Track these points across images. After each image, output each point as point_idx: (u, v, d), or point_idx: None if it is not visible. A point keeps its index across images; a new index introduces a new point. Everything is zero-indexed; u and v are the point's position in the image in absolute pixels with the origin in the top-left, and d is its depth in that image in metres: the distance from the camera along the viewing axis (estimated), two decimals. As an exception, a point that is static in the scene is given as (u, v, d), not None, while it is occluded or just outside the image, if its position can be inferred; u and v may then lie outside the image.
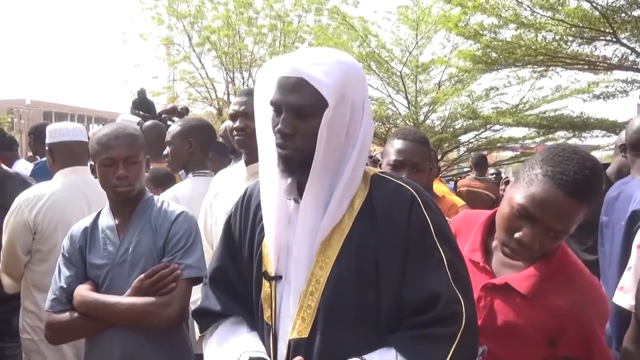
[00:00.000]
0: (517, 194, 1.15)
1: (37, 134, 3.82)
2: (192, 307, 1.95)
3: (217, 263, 1.25)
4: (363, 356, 1.02)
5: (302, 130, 1.05)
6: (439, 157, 8.06)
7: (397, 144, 1.81)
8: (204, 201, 2.10)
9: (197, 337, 1.22)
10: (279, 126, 1.06)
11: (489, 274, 1.24)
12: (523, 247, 1.14)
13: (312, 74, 1.02)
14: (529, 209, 1.12)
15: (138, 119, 4.42)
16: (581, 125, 8.51)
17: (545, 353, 1.20)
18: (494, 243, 1.27)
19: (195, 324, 1.25)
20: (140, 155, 1.64)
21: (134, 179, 1.60)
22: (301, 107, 1.04)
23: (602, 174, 1.16)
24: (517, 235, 1.14)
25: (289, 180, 1.11)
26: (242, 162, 2.06)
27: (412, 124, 9.01)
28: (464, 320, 1.02)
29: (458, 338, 1.00)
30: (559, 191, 1.09)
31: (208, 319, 1.22)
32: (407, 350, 1.01)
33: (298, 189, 1.13)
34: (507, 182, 1.33)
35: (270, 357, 1.10)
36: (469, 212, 1.45)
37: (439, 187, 3.16)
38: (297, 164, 1.07)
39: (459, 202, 2.98)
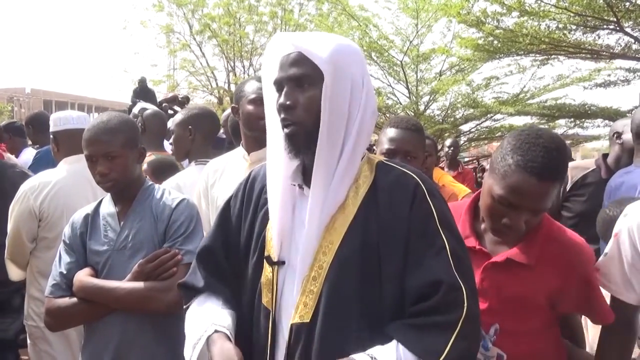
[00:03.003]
0: (495, 186, 1.24)
1: (35, 123, 3.83)
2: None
3: (207, 242, 1.26)
4: (367, 352, 1.02)
5: (302, 101, 1.07)
6: (439, 147, 8.06)
7: (389, 132, 1.81)
8: (197, 188, 2.07)
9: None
10: (280, 100, 1.09)
11: (487, 255, 1.31)
12: (511, 229, 1.25)
13: (308, 47, 1.06)
14: (509, 199, 1.22)
15: (152, 106, 4.38)
16: (583, 114, 8.49)
17: (550, 315, 1.32)
18: (482, 226, 1.35)
19: None
20: (123, 150, 1.61)
21: (116, 175, 1.60)
22: (299, 78, 1.07)
23: (566, 149, 1.27)
24: (504, 220, 1.24)
25: (296, 162, 1.12)
26: (238, 149, 2.03)
27: (412, 114, 9.00)
28: (465, 308, 1.01)
29: (459, 326, 1.00)
30: (532, 178, 1.19)
31: (192, 292, 1.25)
32: (407, 340, 1.01)
33: (303, 175, 1.14)
34: (483, 170, 1.40)
35: (267, 340, 1.12)
36: (451, 206, 1.50)
37: (444, 177, 3.16)
38: (302, 139, 1.08)
39: (462, 190, 2.97)
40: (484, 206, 1.30)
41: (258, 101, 1.87)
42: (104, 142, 1.59)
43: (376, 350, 1.02)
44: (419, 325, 1.02)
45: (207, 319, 1.15)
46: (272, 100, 1.15)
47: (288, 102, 1.07)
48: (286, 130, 1.10)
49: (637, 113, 2.30)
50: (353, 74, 1.08)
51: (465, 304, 1.01)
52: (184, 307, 1.27)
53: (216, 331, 1.11)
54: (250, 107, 1.89)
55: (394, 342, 1.02)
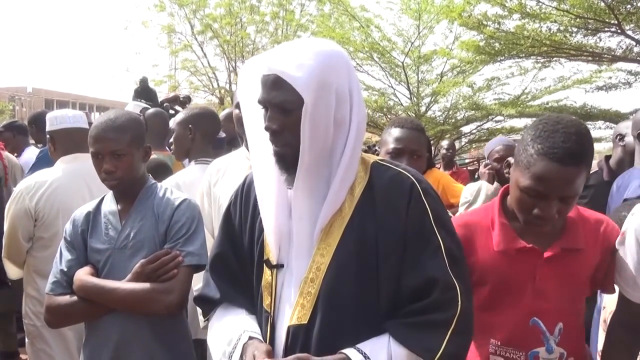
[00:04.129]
0: (521, 178, 1.23)
1: (38, 122, 3.83)
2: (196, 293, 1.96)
3: (217, 250, 1.26)
4: (357, 346, 1.03)
5: (287, 125, 1.06)
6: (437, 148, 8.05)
7: (395, 132, 1.83)
8: (200, 188, 2.09)
9: (200, 323, 1.24)
10: (266, 123, 1.08)
11: (538, 252, 1.29)
12: (544, 220, 1.23)
13: (285, 70, 1.03)
14: (536, 188, 1.20)
15: (144, 105, 4.39)
16: (584, 116, 8.48)
17: (588, 291, 1.36)
18: (513, 225, 1.33)
19: (198, 311, 1.27)
20: (130, 148, 1.61)
21: (122, 172, 1.59)
22: (282, 103, 1.06)
23: (587, 132, 1.25)
24: (535, 212, 1.22)
25: (286, 174, 1.12)
26: (242, 149, 2.05)
27: (413, 115, 9.00)
28: (459, 306, 1.03)
29: (454, 323, 1.01)
30: (556, 165, 1.18)
31: (209, 305, 1.25)
32: (405, 338, 1.02)
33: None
34: (509, 165, 1.39)
35: (266, 343, 1.11)
36: (465, 218, 1.49)
37: (444, 178, 3.17)
38: (289, 159, 1.08)
39: (457, 188, 2.97)
40: (514, 200, 1.28)
41: (239, 105, 1.91)
42: (111, 140, 1.58)
43: (367, 345, 1.03)
44: (415, 324, 1.03)
45: (237, 328, 1.15)
46: (253, 113, 1.15)
47: (274, 127, 1.07)
48: (275, 149, 1.10)
49: (638, 115, 2.29)
50: (338, 86, 1.07)
51: (460, 302, 1.03)
52: (204, 319, 1.27)
53: (250, 338, 1.11)
54: (237, 111, 1.93)
55: (385, 337, 1.03)
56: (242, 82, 1.17)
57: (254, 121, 1.15)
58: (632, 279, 1.29)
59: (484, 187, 2.44)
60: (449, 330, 1.01)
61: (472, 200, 2.43)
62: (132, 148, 1.61)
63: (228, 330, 1.16)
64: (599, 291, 2.05)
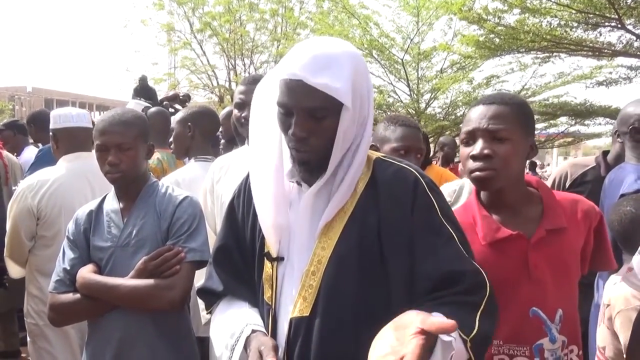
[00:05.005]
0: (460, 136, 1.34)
1: (37, 122, 3.83)
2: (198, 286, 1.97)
3: (220, 243, 1.27)
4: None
5: (316, 132, 1.05)
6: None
7: (400, 130, 1.86)
8: (203, 186, 2.10)
9: (202, 319, 1.25)
10: (292, 130, 1.05)
11: (523, 237, 1.29)
12: (479, 160, 1.26)
13: (324, 82, 1.00)
14: (466, 129, 1.30)
15: (144, 104, 4.41)
16: (584, 111, 8.48)
17: (579, 271, 1.35)
18: (495, 217, 1.34)
19: (199, 306, 1.27)
20: (135, 143, 1.62)
21: (125, 166, 1.60)
22: (315, 110, 1.03)
23: (515, 94, 1.33)
24: (471, 154, 1.27)
25: (293, 162, 1.12)
26: (245, 147, 2.06)
27: (413, 112, 8.99)
28: (488, 288, 1.05)
29: (484, 304, 1.03)
30: (479, 106, 1.30)
31: (212, 297, 1.26)
32: (445, 313, 0.99)
33: (299, 172, 1.14)
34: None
35: (270, 337, 1.12)
36: (459, 210, 1.48)
37: (445, 173, 3.19)
38: (314, 164, 1.09)
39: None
40: (462, 161, 1.35)
41: (239, 105, 2.00)
42: (118, 133, 1.60)
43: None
44: (448, 302, 1.02)
45: (240, 321, 1.15)
46: (265, 113, 1.14)
47: (303, 134, 1.05)
48: (297, 155, 1.09)
49: (628, 109, 2.30)
50: (362, 89, 1.07)
51: (488, 285, 1.05)
52: (207, 312, 1.28)
53: (253, 331, 1.12)
54: (228, 109, 1.97)
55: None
56: (262, 86, 1.16)
57: (262, 119, 1.15)
58: None
59: (467, 185, 2.20)
60: (479, 310, 1.02)
61: (452, 201, 2.18)
62: (138, 143, 1.63)
63: (230, 323, 1.16)
64: (595, 286, 2.05)
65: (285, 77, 1.05)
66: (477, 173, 1.27)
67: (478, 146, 1.26)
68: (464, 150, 1.31)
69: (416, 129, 1.90)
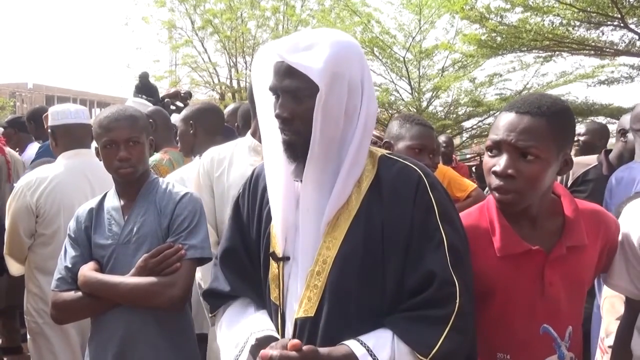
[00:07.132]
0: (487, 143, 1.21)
1: (36, 118, 3.83)
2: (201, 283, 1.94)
3: (226, 244, 1.26)
4: (359, 337, 1.02)
5: (299, 113, 1.06)
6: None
7: (416, 129, 1.89)
8: (196, 181, 2.01)
9: (207, 318, 1.23)
10: (277, 111, 1.08)
11: (542, 253, 1.20)
12: (502, 177, 1.14)
13: (299, 61, 1.03)
14: (493, 138, 1.17)
15: (148, 104, 4.39)
16: (586, 111, 8.45)
17: (590, 283, 1.32)
18: (513, 227, 1.24)
19: (203, 305, 1.25)
20: (142, 137, 1.64)
21: (136, 161, 1.61)
22: (295, 91, 1.05)
23: (556, 98, 1.22)
24: (493, 169, 1.15)
25: (295, 163, 1.12)
26: (244, 139, 2.01)
27: (415, 110, 8.97)
28: (457, 303, 1.02)
29: (452, 320, 1.01)
30: (511, 113, 1.16)
31: (218, 300, 1.24)
32: (402, 331, 1.02)
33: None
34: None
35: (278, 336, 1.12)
36: (465, 215, 1.36)
37: (449, 171, 3.19)
38: (299, 148, 1.08)
39: (470, 185, 2.98)
40: (485, 171, 1.21)
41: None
42: (126, 128, 1.60)
43: (370, 338, 1.02)
44: (414, 318, 1.02)
45: (244, 330, 1.14)
46: (265, 103, 1.14)
47: (285, 115, 1.07)
48: (284, 137, 1.10)
49: (637, 108, 2.28)
50: (351, 77, 1.06)
51: (458, 300, 1.02)
52: (210, 315, 1.27)
53: (257, 340, 1.11)
54: (232, 107, 1.97)
55: (390, 333, 1.03)
56: (256, 70, 1.16)
57: (266, 110, 1.15)
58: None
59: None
60: (446, 327, 1.00)
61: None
62: (144, 136, 1.64)
63: (236, 333, 1.15)
64: (596, 286, 2.04)
65: (274, 60, 1.08)
66: (498, 195, 1.16)
67: (502, 162, 1.14)
68: (488, 161, 1.18)
69: (431, 128, 1.93)
